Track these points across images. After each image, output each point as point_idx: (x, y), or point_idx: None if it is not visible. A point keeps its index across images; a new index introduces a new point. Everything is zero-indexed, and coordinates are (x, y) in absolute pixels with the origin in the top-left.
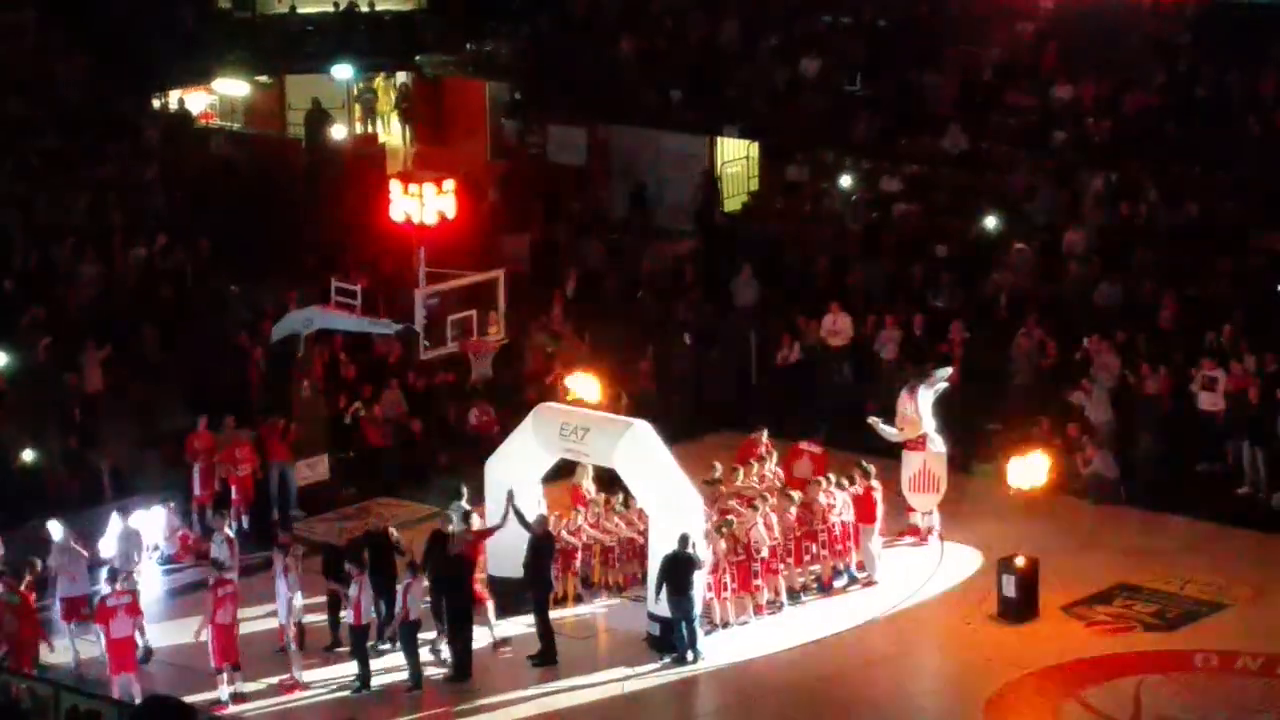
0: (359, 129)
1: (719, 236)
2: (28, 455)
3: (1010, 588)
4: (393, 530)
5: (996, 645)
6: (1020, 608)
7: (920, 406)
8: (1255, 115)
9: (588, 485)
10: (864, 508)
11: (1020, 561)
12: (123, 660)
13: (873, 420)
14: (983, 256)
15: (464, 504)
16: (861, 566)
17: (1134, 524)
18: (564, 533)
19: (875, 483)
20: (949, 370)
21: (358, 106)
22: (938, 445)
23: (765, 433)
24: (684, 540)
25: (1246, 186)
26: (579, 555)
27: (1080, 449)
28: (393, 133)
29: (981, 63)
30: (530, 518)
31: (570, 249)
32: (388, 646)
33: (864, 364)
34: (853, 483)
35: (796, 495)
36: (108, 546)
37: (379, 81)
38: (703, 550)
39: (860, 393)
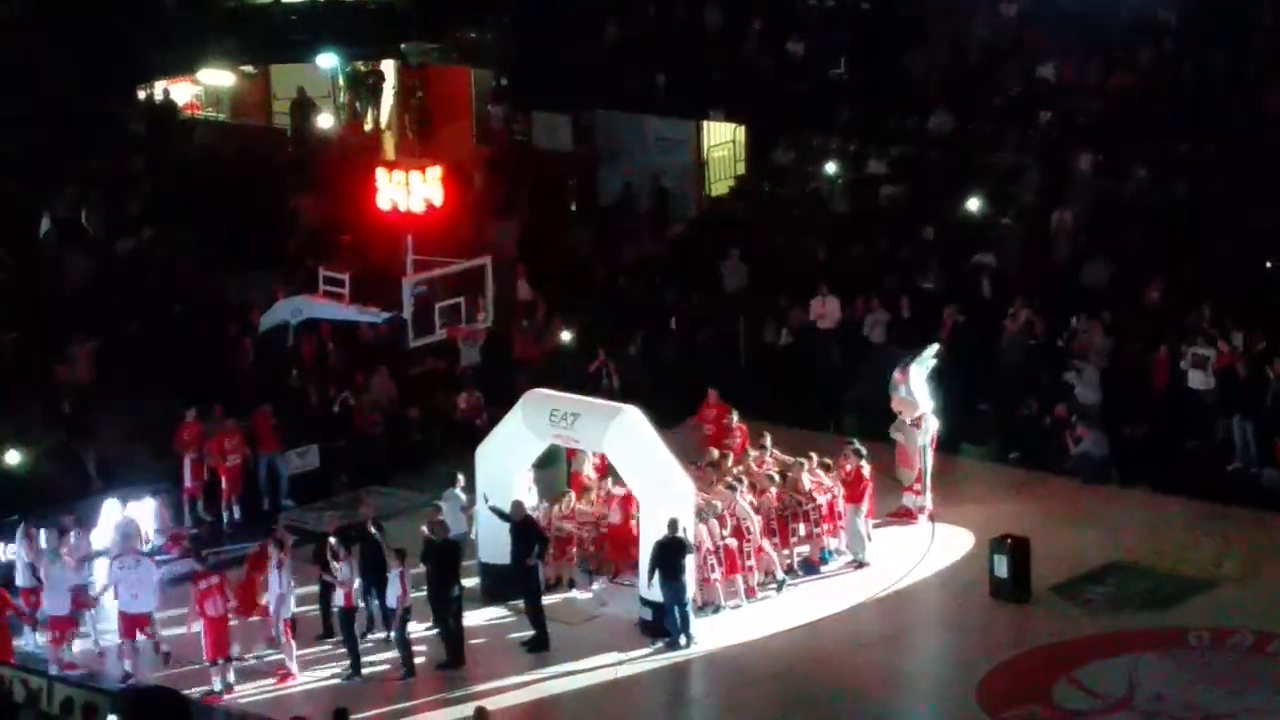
0: (356, 115)
1: (676, 247)
2: (16, 450)
3: (1002, 568)
4: (371, 520)
5: (989, 626)
6: (1012, 588)
7: (913, 385)
8: (1240, 93)
9: (588, 471)
10: (853, 488)
11: (1012, 542)
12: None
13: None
14: (970, 237)
15: (458, 491)
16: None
17: (1125, 503)
18: (555, 519)
19: (865, 464)
20: (937, 347)
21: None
22: (930, 426)
23: (735, 416)
24: (674, 525)
25: (1233, 164)
26: (575, 541)
27: (1070, 429)
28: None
29: (966, 43)
30: (509, 505)
31: (543, 235)
32: (381, 635)
33: (852, 346)
34: (832, 467)
35: (777, 476)
36: (103, 536)
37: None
38: (691, 533)
39: (848, 376)
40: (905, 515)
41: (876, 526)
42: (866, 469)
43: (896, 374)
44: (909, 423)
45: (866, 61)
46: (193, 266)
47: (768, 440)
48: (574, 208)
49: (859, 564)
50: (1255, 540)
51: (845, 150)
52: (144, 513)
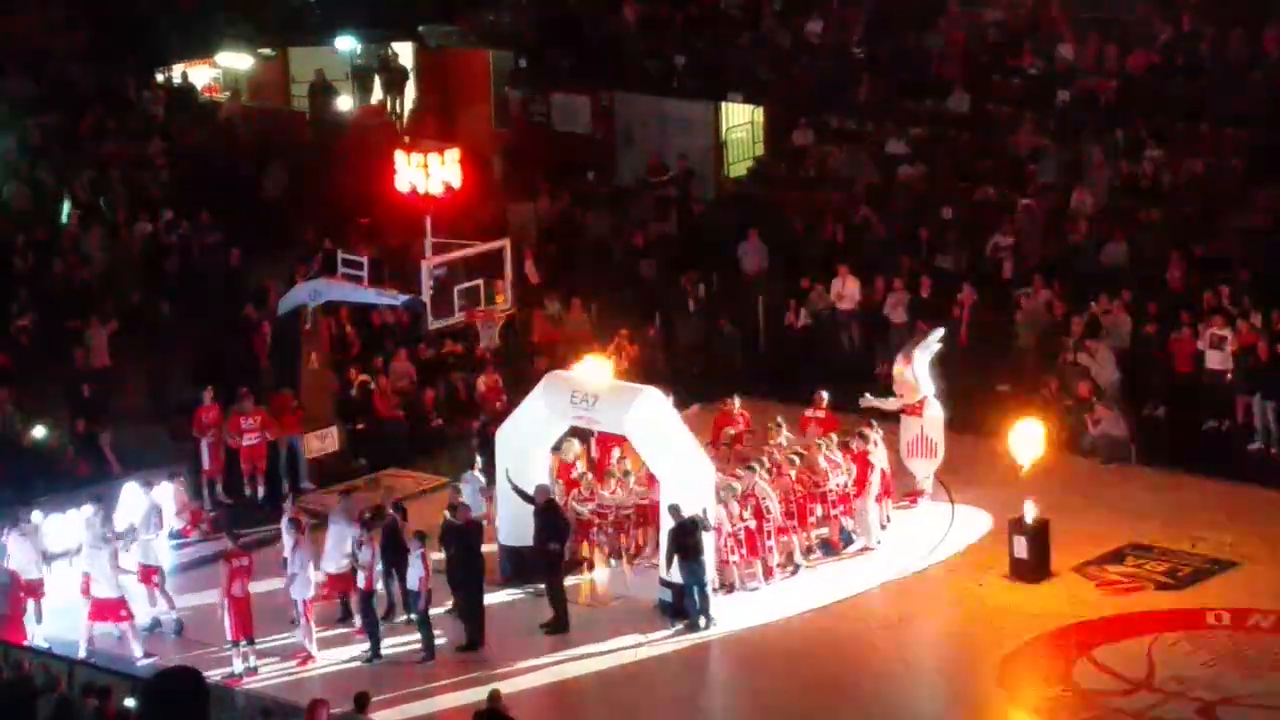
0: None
1: (694, 229)
2: (38, 432)
3: (1021, 549)
4: (392, 502)
5: (1008, 606)
6: (1032, 568)
7: (916, 370)
8: (1259, 72)
9: (573, 459)
10: (859, 472)
11: (1031, 522)
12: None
13: (866, 398)
14: (989, 218)
15: (477, 473)
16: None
17: (1144, 483)
18: (573, 502)
19: (874, 447)
20: (942, 331)
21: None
22: (935, 409)
23: (737, 402)
24: (674, 510)
25: (1251, 143)
26: (596, 524)
27: (1089, 409)
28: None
29: (985, 23)
30: (533, 487)
31: (562, 218)
32: (401, 619)
33: (873, 327)
34: (851, 448)
35: (795, 458)
36: (128, 518)
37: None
38: (712, 515)
39: (869, 356)
40: (916, 496)
41: (894, 508)
42: (875, 452)
43: (900, 357)
44: (910, 404)
45: (885, 42)
46: (210, 249)
47: (780, 421)
48: (593, 189)
49: (862, 549)
50: (1275, 520)
51: (863, 130)
52: (162, 496)
